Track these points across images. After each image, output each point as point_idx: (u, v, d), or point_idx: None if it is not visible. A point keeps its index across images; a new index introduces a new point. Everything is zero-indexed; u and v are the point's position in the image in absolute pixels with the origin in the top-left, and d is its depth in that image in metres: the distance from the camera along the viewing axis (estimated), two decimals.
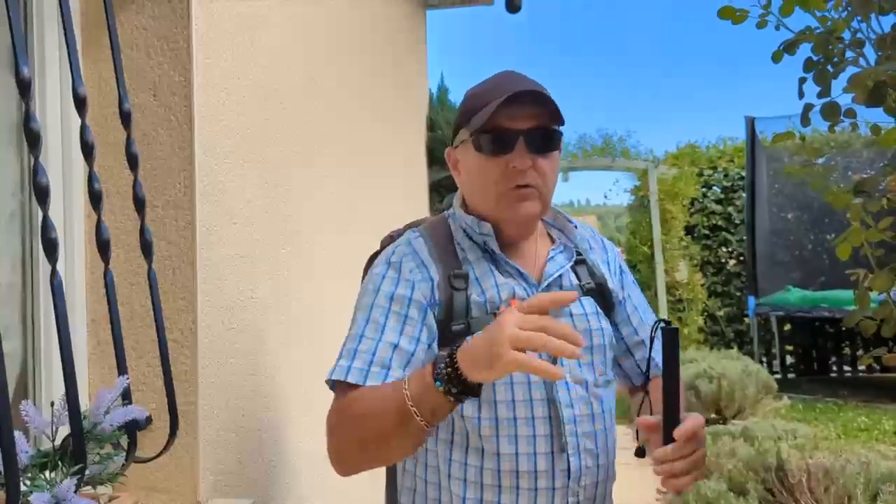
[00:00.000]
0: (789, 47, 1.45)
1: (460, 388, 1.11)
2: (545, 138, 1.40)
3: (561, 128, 1.43)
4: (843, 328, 9.57)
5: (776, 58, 1.48)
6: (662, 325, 1.32)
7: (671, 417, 1.29)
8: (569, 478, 1.35)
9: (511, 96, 1.33)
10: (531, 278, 1.43)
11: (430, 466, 1.40)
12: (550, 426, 1.34)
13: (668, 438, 1.29)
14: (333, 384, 1.33)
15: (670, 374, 1.28)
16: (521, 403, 1.34)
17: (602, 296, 1.50)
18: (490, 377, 1.10)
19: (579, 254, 1.51)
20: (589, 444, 1.37)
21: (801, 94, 1.42)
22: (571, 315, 1.42)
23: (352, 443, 1.27)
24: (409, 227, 1.59)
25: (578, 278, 1.48)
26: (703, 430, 1.29)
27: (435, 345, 1.36)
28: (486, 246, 1.44)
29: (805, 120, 1.39)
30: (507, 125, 1.37)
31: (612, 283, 1.54)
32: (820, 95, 1.38)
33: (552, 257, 1.48)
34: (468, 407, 1.33)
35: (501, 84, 1.41)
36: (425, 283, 1.37)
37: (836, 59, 1.38)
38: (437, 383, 1.12)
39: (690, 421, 1.26)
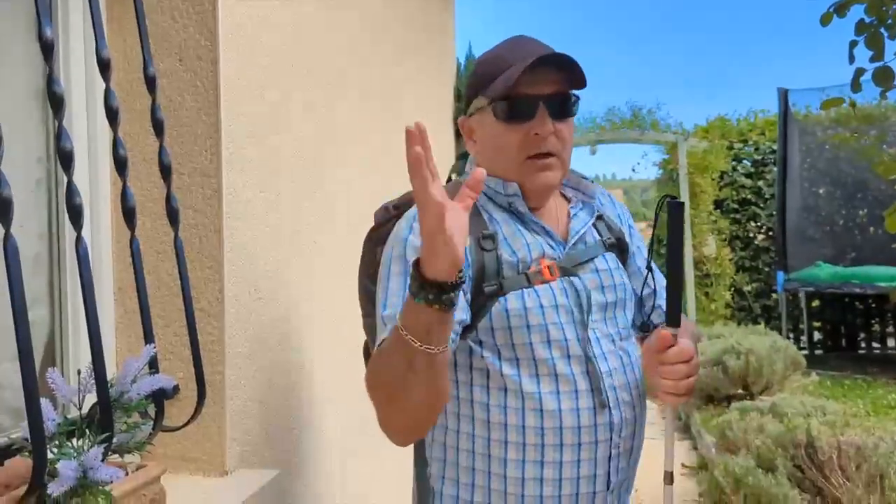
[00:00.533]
0: (840, 9, 1.38)
1: (433, 290, 1.04)
2: (565, 104, 1.38)
3: (579, 92, 1.40)
4: (873, 304, 9.45)
5: (825, 20, 1.41)
6: (669, 199, 1.32)
7: (674, 297, 1.31)
8: (611, 430, 1.34)
9: (534, 61, 1.30)
10: (557, 236, 1.42)
11: (463, 433, 1.37)
12: (590, 381, 1.33)
13: (671, 319, 1.31)
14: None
15: (674, 251, 1.30)
16: (559, 360, 1.33)
17: (621, 250, 1.50)
18: (438, 261, 1.02)
19: (598, 211, 1.50)
20: (626, 397, 1.37)
21: (851, 59, 1.35)
22: (598, 271, 1.42)
23: (382, 401, 1.22)
24: (405, 197, 1.56)
25: (599, 234, 1.47)
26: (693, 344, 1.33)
27: (468, 299, 1.32)
28: (512, 207, 1.41)
29: (856, 85, 1.33)
30: (528, 91, 1.34)
31: (626, 237, 1.53)
32: (872, 59, 1.31)
33: (575, 215, 1.46)
34: (506, 364, 1.32)
35: (516, 49, 1.38)
36: None
37: (890, 21, 1.31)
38: (417, 299, 1.05)
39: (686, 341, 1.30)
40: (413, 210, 1.41)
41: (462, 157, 4.67)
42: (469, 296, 1.32)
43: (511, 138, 1.37)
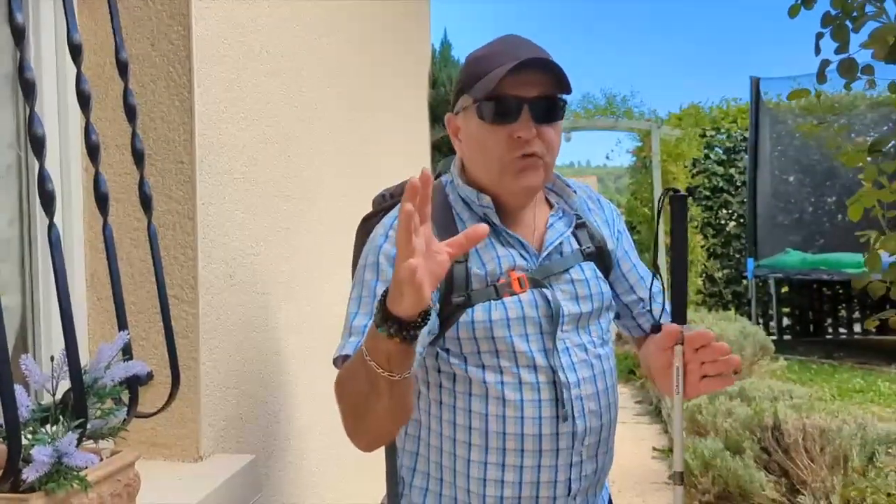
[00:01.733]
0: (807, 1, 1.41)
1: (395, 325, 1.06)
2: (550, 107, 1.36)
3: (567, 96, 1.40)
4: (840, 290, 9.64)
5: (793, 12, 1.44)
6: (671, 192, 1.33)
7: (681, 292, 1.32)
8: (573, 439, 1.36)
9: (518, 64, 1.29)
10: (531, 247, 1.42)
11: (433, 431, 1.41)
12: (555, 391, 1.35)
13: (677, 316, 1.34)
14: (337, 362, 1.33)
15: (679, 245, 1.32)
16: (524, 369, 1.35)
17: (601, 258, 1.50)
18: (403, 302, 1.04)
19: (579, 217, 1.49)
20: (593, 406, 1.38)
21: (817, 50, 1.39)
22: (573, 281, 1.42)
23: (347, 412, 1.27)
24: (401, 186, 1.56)
25: (579, 242, 1.47)
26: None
27: (434, 314, 1.33)
28: (487, 218, 1.41)
29: (821, 77, 1.36)
30: (513, 93, 1.33)
31: (611, 244, 1.53)
32: (838, 51, 1.35)
33: (552, 224, 1.46)
34: (474, 369, 1.35)
35: (506, 49, 1.37)
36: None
37: (855, 14, 1.34)
38: (379, 329, 1.08)
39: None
40: (389, 217, 1.42)
41: (437, 144, 4.66)
42: (438, 305, 1.34)
43: (494, 139, 1.35)
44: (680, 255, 1.33)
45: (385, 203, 1.58)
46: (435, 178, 1.53)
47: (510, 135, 1.34)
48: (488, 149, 1.37)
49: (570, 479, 1.37)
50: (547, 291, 1.38)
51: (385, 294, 1.09)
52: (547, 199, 1.51)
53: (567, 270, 1.42)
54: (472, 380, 1.35)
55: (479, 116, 1.36)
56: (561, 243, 1.44)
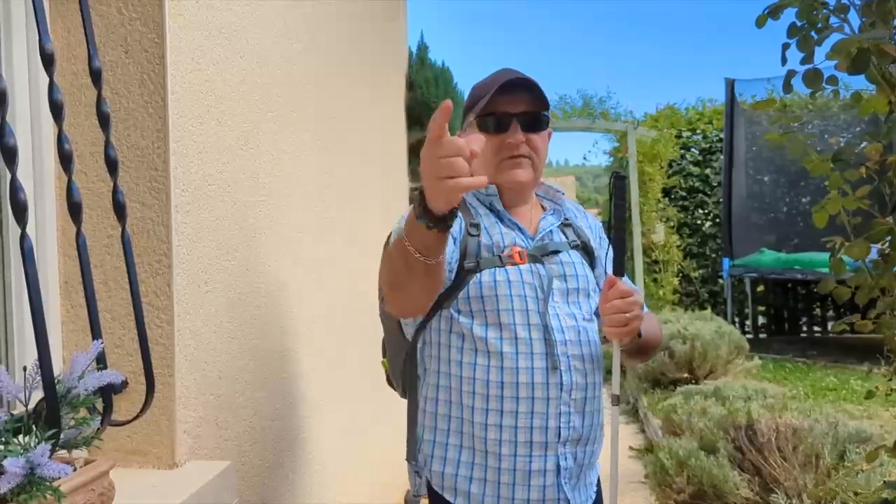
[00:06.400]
0: (774, 12, 1.44)
1: (432, 219, 1.25)
2: (535, 120, 1.71)
3: (547, 112, 1.74)
4: (814, 289, 9.76)
5: (760, 22, 1.47)
6: (614, 175, 1.65)
7: (619, 252, 1.61)
8: (561, 390, 1.61)
9: (506, 87, 1.66)
10: (527, 232, 1.74)
11: (444, 387, 1.67)
12: (545, 346, 1.62)
13: (615, 269, 1.61)
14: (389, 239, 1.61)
15: (618, 220, 1.63)
16: (520, 326, 1.62)
17: (586, 252, 1.81)
18: (442, 202, 1.23)
19: (567, 218, 1.82)
20: (578, 365, 1.64)
21: (783, 61, 1.42)
22: (562, 263, 1.72)
23: (387, 288, 1.52)
24: None
25: (566, 236, 1.79)
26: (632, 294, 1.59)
27: (455, 258, 1.63)
28: (492, 206, 1.74)
29: (787, 87, 1.39)
30: (504, 109, 1.69)
31: (594, 244, 1.84)
32: (803, 62, 1.38)
33: (544, 217, 1.80)
34: (478, 327, 1.62)
35: (499, 78, 1.70)
36: (456, 223, 1.63)
37: (819, 25, 1.37)
38: (418, 220, 1.27)
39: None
40: None
41: (415, 147, 4.69)
42: (456, 266, 1.63)
43: (491, 145, 1.69)
44: (619, 222, 1.63)
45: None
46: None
47: (503, 141, 1.69)
48: (487, 153, 1.70)
49: (559, 426, 1.61)
50: (540, 266, 1.68)
51: (422, 192, 1.26)
52: (542, 206, 1.85)
53: (558, 253, 1.73)
54: (476, 338, 1.62)
55: (480, 129, 1.72)
56: (551, 232, 1.77)
